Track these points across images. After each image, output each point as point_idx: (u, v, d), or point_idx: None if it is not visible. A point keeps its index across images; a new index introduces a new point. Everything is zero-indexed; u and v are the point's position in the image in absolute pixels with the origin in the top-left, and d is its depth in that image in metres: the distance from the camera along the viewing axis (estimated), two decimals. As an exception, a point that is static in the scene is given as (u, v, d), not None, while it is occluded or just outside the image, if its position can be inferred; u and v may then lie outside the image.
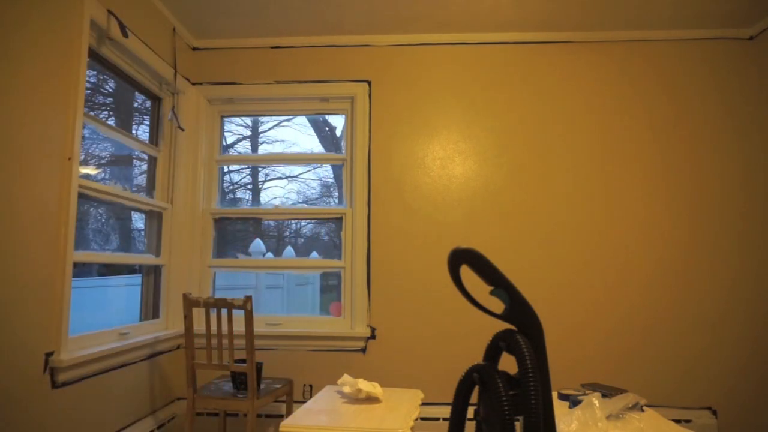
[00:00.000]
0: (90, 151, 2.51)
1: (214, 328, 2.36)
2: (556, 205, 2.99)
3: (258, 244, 3.45)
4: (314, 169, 3.69)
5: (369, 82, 3.13)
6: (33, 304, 1.83)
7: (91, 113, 2.33)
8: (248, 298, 2.24)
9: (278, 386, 2.50)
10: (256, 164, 3.50)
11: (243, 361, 2.47)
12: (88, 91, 2.35)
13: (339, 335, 2.96)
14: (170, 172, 3.01)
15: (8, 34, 1.73)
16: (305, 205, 3.59)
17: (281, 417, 2.88)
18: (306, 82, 3.16)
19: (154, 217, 2.91)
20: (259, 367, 2.40)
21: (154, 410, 2.67)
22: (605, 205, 2.97)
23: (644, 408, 1.75)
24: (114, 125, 2.63)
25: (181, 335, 2.86)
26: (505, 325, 0.92)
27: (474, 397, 0.94)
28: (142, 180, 2.97)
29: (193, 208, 3.12)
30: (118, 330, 2.43)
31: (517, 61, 3.10)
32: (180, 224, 3.01)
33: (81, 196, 2.17)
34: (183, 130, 3.00)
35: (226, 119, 3.41)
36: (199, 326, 2.84)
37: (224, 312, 2.34)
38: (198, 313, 2.98)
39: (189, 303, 2.32)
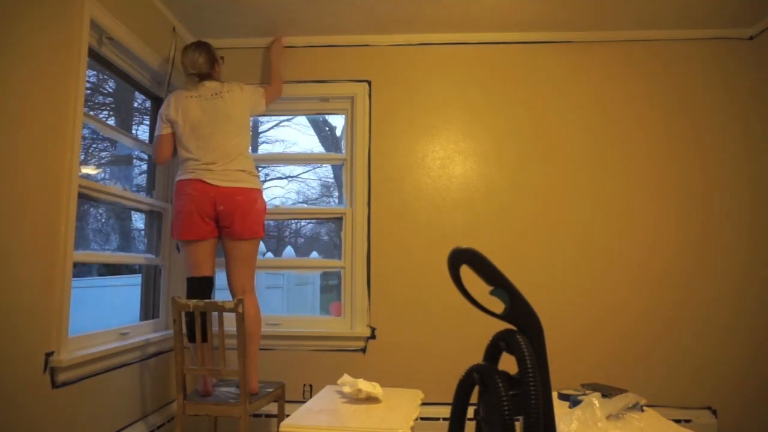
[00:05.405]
0: (90, 151, 2.51)
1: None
2: (557, 205, 2.99)
3: (258, 244, 3.44)
4: (314, 169, 3.70)
5: (369, 82, 3.13)
6: (33, 304, 1.82)
7: (91, 113, 2.33)
8: (239, 301, 2.18)
9: (270, 390, 2.48)
10: (256, 164, 3.49)
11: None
12: (88, 91, 2.35)
13: (339, 335, 2.96)
14: (170, 172, 3.01)
15: (7, 33, 1.73)
16: (305, 205, 3.59)
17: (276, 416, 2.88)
18: (306, 82, 3.16)
19: (154, 217, 2.91)
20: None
21: (154, 409, 2.67)
22: (606, 205, 2.97)
23: (644, 408, 1.75)
24: (114, 125, 2.63)
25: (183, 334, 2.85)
26: (505, 325, 0.92)
27: (474, 397, 0.94)
28: (142, 180, 2.97)
29: (193, 208, 3.11)
30: (118, 330, 2.43)
31: (517, 60, 3.10)
32: (180, 224, 3.00)
33: (81, 196, 2.17)
34: None
35: (226, 119, 3.40)
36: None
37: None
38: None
39: (178, 307, 2.26)
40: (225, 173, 2.48)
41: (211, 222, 2.48)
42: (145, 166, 2.97)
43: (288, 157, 3.40)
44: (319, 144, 3.71)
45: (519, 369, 0.84)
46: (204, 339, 2.27)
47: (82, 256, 2.22)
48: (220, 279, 3.13)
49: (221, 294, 2.69)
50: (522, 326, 0.91)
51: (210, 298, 2.53)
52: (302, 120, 3.61)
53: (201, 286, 2.49)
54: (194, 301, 2.24)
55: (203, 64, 2.61)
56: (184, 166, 2.54)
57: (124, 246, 2.86)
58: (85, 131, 2.27)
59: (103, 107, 2.70)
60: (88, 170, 2.47)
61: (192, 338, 2.33)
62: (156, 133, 2.59)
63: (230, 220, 2.47)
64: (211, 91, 2.59)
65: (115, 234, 2.79)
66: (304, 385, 2.95)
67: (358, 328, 2.96)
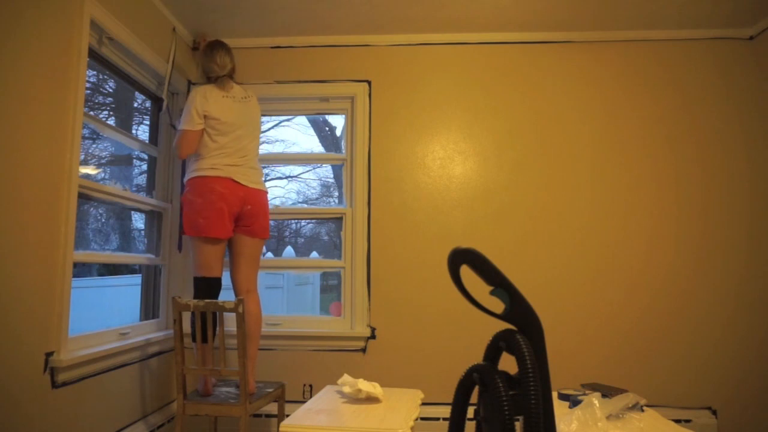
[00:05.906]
0: (90, 151, 2.51)
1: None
2: (557, 205, 2.99)
3: (258, 244, 3.44)
4: (314, 169, 3.70)
5: (369, 82, 3.13)
6: (33, 304, 1.83)
7: (91, 113, 2.33)
8: (240, 301, 2.18)
9: (270, 390, 2.49)
10: (256, 164, 3.49)
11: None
12: (88, 91, 2.35)
13: (339, 335, 2.96)
14: (170, 172, 3.01)
15: (7, 33, 1.73)
16: (305, 205, 3.59)
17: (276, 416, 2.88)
18: (306, 82, 3.16)
19: (154, 217, 2.91)
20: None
21: (154, 409, 2.67)
22: (606, 205, 2.97)
23: (644, 408, 1.75)
24: (114, 125, 2.63)
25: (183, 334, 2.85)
26: (505, 325, 0.92)
27: (474, 397, 0.94)
28: (142, 180, 2.97)
29: (193, 208, 3.11)
30: (118, 330, 2.43)
31: (517, 60, 3.10)
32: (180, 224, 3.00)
33: (81, 196, 2.17)
34: (175, 127, 2.99)
35: (226, 119, 3.40)
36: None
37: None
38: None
39: (178, 307, 2.25)
40: (248, 174, 2.54)
41: (233, 222, 2.51)
42: (145, 166, 2.97)
43: (288, 157, 3.40)
44: (319, 144, 3.71)
45: (519, 369, 0.84)
46: (204, 339, 2.27)
47: (82, 256, 2.22)
48: (224, 278, 3.14)
49: (226, 293, 2.69)
50: (522, 326, 0.90)
51: (218, 299, 2.53)
52: (302, 120, 3.61)
53: (211, 287, 2.49)
54: (194, 301, 2.24)
55: (230, 65, 2.66)
56: (209, 162, 2.47)
57: (124, 246, 2.86)
58: (85, 131, 2.27)
59: (103, 107, 2.70)
60: (88, 170, 2.47)
61: (197, 338, 2.34)
62: (186, 128, 2.47)
63: (253, 220, 2.52)
64: (241, 94, 2.63)
65: (115, 234, 2.79)
66: (304, 385, 2.95)
67: (358, 328, 2.96)
